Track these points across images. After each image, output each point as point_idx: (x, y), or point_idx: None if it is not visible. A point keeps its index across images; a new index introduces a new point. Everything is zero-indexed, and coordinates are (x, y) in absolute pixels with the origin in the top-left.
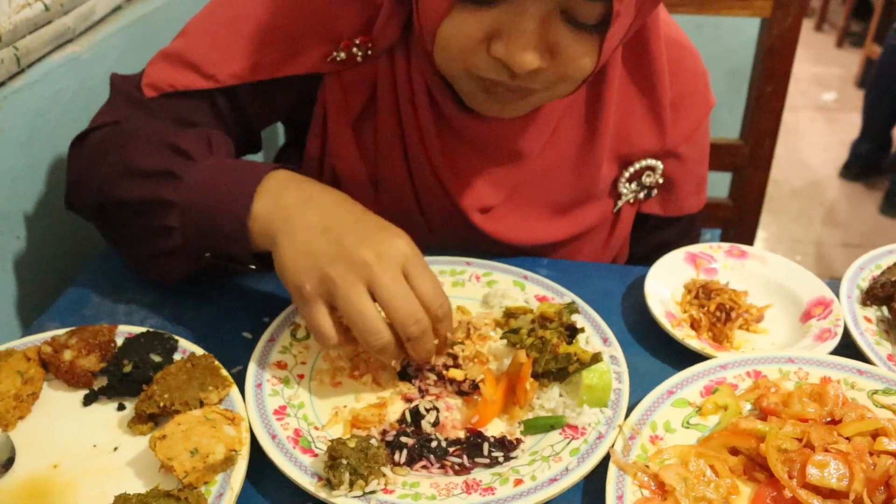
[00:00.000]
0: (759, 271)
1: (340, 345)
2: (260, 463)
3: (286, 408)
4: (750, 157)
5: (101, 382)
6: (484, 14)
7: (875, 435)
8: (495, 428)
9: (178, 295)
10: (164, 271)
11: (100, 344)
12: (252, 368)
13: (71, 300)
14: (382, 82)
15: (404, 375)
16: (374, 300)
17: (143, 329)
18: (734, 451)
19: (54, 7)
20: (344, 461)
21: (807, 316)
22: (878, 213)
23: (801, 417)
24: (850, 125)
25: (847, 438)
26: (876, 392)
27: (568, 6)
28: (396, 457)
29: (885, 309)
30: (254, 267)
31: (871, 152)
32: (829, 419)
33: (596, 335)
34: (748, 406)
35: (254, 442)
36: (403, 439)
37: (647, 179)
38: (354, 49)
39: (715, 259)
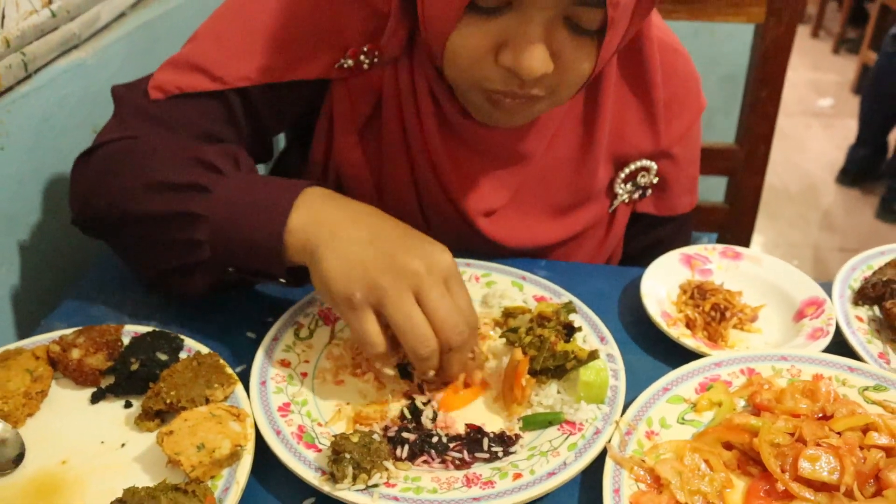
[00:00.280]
0: (753, 272)
1: (386, 352)
2: (265, 458)
3: (290, 405)
4: (745, 162)
5: (108, 380)
6: (490, 25)
7: (865, 430)
8: (495, 424)
9: (183, 297)
10: (185, 285)
11: (107, 343)
12: (256, 367)
13: (77, 301)
14: (388, 90)
15: (405, 374)
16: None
17: (150, 328)
18: (728, 446)
19: (60, 14)
20: (347, 455)
21: (800, 315)
22: (875, 217)
23: (794, 413)
24: (847, 131)
25: (838, 433)
26: (867, 388)
27: (570, 13)
28: (398, 452)
29: (876, 308)
30: (283, 281)
31: (867, 158)
32: (820, 415)
33: (593, 334)
34: (742, 403)
35: (258, 438)
36: (405, 435)
37: (641, 180)
38: (362, 57)
39: (710, 260)
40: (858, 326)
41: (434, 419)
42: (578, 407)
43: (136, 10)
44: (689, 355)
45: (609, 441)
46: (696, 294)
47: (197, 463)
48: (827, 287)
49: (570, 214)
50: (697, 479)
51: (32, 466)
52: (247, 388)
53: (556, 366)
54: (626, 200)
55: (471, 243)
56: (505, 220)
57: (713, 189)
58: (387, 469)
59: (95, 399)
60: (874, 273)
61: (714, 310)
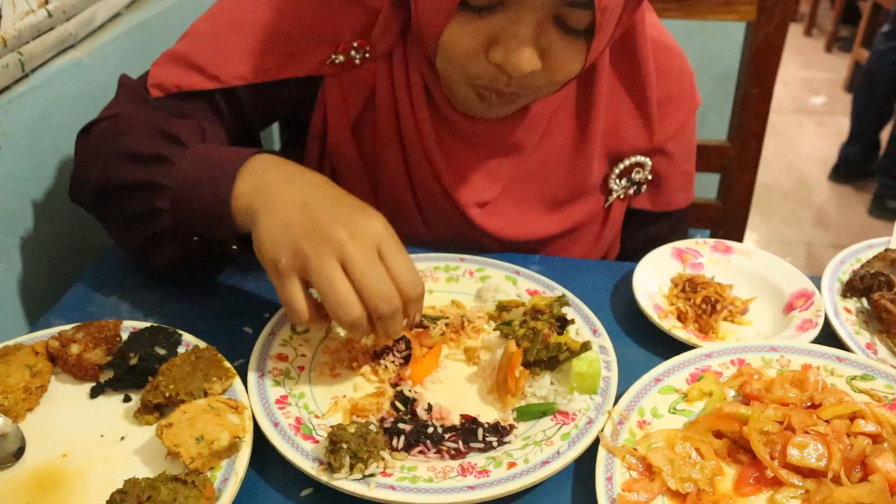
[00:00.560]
0: (743, 266)
1: (312, 321)
2: (263, 449)
3: (287, 397)
4: (737, 159)
5: (107, 375)
6: (482, 22)
7: (853, 417)
8: (489, 415)
9: (181, 293)
10: (153, 256)
11: (106, 338)
12: (254, 360)
13: (75, 298)
14: (380, 84)
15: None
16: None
17: (148, 324)
18: (718, 435)
19: (57, 14)
20: (344, 446)
21: (789, 308)
22: (867, 214)
23: (783, 402)
24: (839, 128)
25: (826, 421)
26: (854, 378)
27: (559, 13)
28: (394, 442)
29: (864, 300)
30: (235, 248)
31: (859, 155)
32: (809, 403)
33: (586, 326)
34: (732, 393)
35: (257, 430)
36: (401, 426)
37: (636, 176)
38: (353, 52)
39: (701, 254)
40: (846, 318)
41: (429, 410)
42: (571, 397)
43: (132, 10)
44: (681, 347)
45: (602, 430)
46: (688, 287)
47: (196, 454)
48: (816, 280)
49: (565, 208)
50: (688, 467)
51: (33, 460)
52: (245, 382)
53: (550, 357)
54: (622, 196)
55: (466, 235)
56: (498, 212)
57: (706, 186)
58: (383, 459)
59: (95, 393)
60: (862, 266)
61: (705, 302)
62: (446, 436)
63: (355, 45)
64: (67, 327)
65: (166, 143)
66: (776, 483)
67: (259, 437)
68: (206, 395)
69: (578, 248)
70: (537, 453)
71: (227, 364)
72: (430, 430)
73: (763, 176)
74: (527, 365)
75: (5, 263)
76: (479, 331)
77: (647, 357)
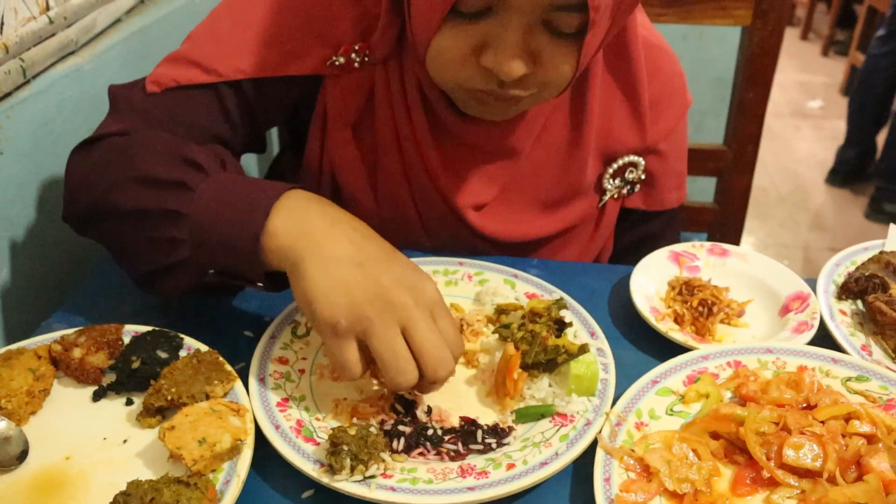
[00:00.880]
0: (739, 268)
1: (361, 379)
2: (264, 452)
3: (288, 400)
4: (734, 162)
5: (109, 379)
6: (472, 28)
7: (848, 418)
8: (488, 417)
9: (181, 297)
10: (164, 285)
11: (108, 342)
12: (255, 364)
13: (77, 303)
14: (380, 88)
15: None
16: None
17: (150, 328)
18: (715, 436)
19: (58, 20)
20: (345, 447)
21: (785, 310)
22: (864, 217)
23: (779, 403)
24: (836, 132)
25: (821, 422)
26: (849, 379)
27: (549, 17)
28: (394, 444)
29: (859, 302)
30: (261, 285)
31: (856, 158)
32: (804, 405)
33: (583, 329)
34: (728, 394)
35: (258, 432)
36: (401, 428)
37: (629, 175)
38: (353, 55)
39: (697, 257)
40: (842, 320)
41: (429, 413)
42: (569, 399)
43: (132, 17)
44: (678, 349)
45: (600, 432)
46: (684, 290)
47: (198, 457)
48: (812, 282)
49: (560, 209)
50: (685, 468)
51: (36, 463)
52: (246, 385)
53: (548, 360)
54: (615, 196)
55: (462, 237)
56: (495, 214)
57: (703, 190)
58: (383, 461)
59: (97, 397)
60: (857, 268)
61: (701, 305)
62: (446, 438)
63: (356, 47)
64: (70, 331)
65: (186, 168)
66: (772, 483)
67: (260, 440)
68: (207, 398)
69: (573, 249)
70: (536, 455)
71: (229, 367)
72: (430, 432)
73: (760, 179)
74: (525, 367)
75: (7, 268)
76: (477, 334)
77: (644, 359)
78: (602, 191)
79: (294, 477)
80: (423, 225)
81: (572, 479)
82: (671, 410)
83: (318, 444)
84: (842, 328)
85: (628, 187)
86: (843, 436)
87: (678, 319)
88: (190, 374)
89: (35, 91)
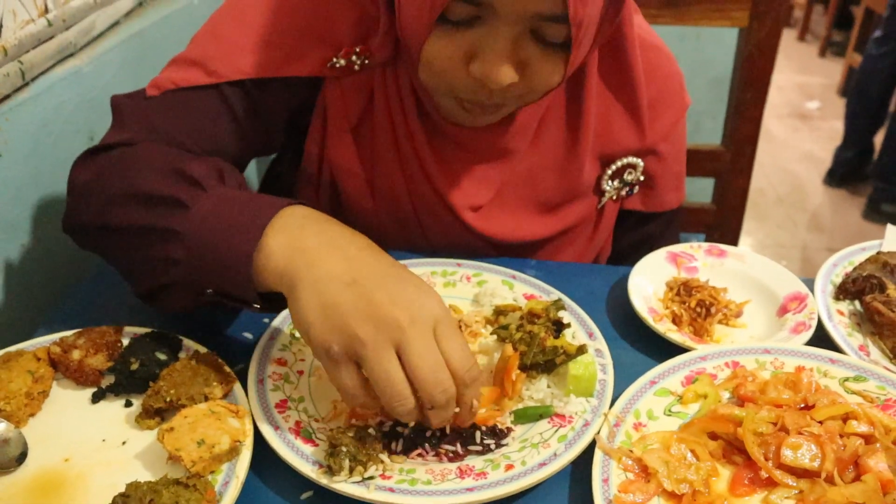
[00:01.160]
0: (737, 269)
1: (363, 403)
2: (263, 453)
3: (287, 402)
4: (731, 163)
5: (108, 380)
6: (461, 36)
7: (845, 418)
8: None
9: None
10: (165, 302)
11: (107, 344)
12: (254, 365)
13: (76, 304)
14: (379, 91)
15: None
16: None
17: (149, 329)
18: (713, 436)
19: (56, 23)
20: (343, 449)
21: (783, 310)
22: (862, 218)
23: (777, 403)
24: (834, 132)
25: (819, 422)
26: (847, 379)
27: (536, 27)
28: (393, 445)
29: (857, 303)
30: (258, 306)
31: (854, 159)
32: (802, 405)
33: (582, 330)
34: (727, 395)
35: (257, 434)
36: (399, 429)
37: (628, 177)
38: (354, 57)
39: (695, 258)
40: (839, 320)
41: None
42: (568, 400)
43: (130, 19)
44: (676, 350)
45: (598, 433)
46: (682, 291)
47: (197, 458)
48: (809, 283)
49: (558, 211)
50: (684, 468)
51: (35, 465)
52: (245, 387)
53: (546, 361)
54: (614, 197)
55: (461, 239)
56: (492, 216)
57: (700, 190)
58: (382, 462)
59: (96, 398)
60: (855, 269)
61: (699, 306)
62: (444, 439)
63: (357, 50)
64: (69, 333)
65: (182, 184)
66: (770, 484)
67: (259, 441)
68: (206, 399)
69: (572, 250)
70: (534, 455)
71: (228, 369)
72: (429, 433)
73: (758, 180)
74: (523, 368)
75: (6, 270)
76: (476, 335)
77: (642, 360)
78: (601, 192)
79: (293, 478)
80: (422, 227)
81: (571, 479)
82: (669, 411)
83: (316, 445)
84: (839, 328)
85: (627, 189)
86: (841, 436)
87: (676, 320)
88: (189, 375)
89: (34, 93)
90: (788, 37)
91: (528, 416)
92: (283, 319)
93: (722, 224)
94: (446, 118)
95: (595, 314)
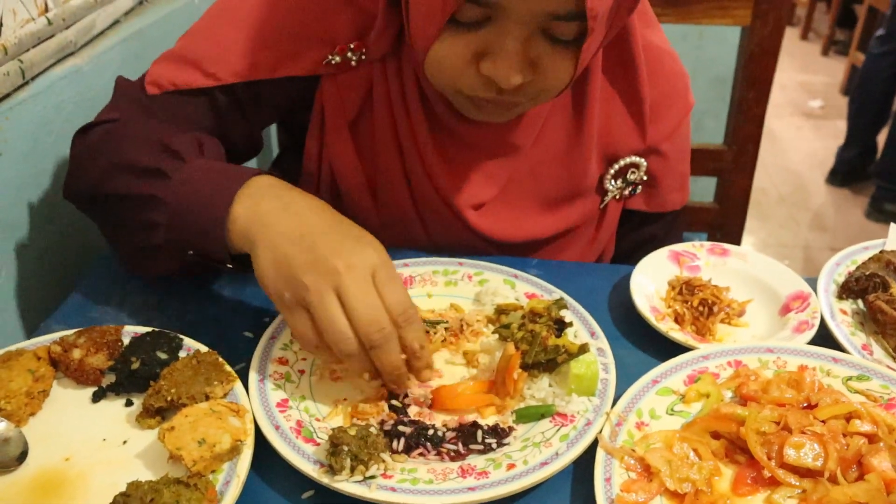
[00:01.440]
0: (740, 268)
1: (319, 348)
2: (264, 452)
3: (288, 401)
4: (734, 162)
5: (109, 380)
6: (471, 36)
7: (849, 418)
8: (488, 417)
9: (181, 298)
10: (148, 266)
11: (107, 343)
12: (255, 364)
13: (76, 304)
14: (378, 86)
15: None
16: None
17: (149, 329)
18: (716, 436)
19: (56, 21)
20: (345, 448)
21: (785, 309)
22: (865, 217)
23: (779, 402)
24: (836, 132)
25: (822, 421)
26: (850, 378)
27: (547, 25)
28: (394, 445)
29: (860, 302)
30: (230, 266)
31: (856, 158)
32: (805, 404)
33: (584, 329)
34: (729, 394)
35: (258, 433)
36: (401, 428)
37: (631, 176)
38: (349, 53)
39: (698, 257)
40: (842, 319)
41: (405, 399)
42: (570, 399)
43: (130, 18)
44: (678, 349)
45: (600, 432)
46: (685, 290)
47: (198, 457)
48: (812, 282)
49: (561, 209)
50: (686, 468)
51: (36, 464)
52: (246, 386)
53: (548, 360)
54: (617, 197)
55: (462, 238)
56: (494, 214)
57: (703, 190)
58: (384, 461)
59: (97, 398)
60: (858, 268)
61: (702, 305)
62: (446, 438)
63: (352, 46)
64: (69, 332)
65: (165, 156)
66: (773, 483)
67: (260, 440)
68: (207, 398)
69: (574, 250)
70: (536, 455)
71: (229, 368)
72: (430, 432)
73: (760, 179)
74: (525, 367)
75: (6, 269)
76: (477, 334)
77: (644, 359)
78: (603, 192)
79: (294, 477)
80: (423, 224)
81: (573, 479)
82: (672, 410)
83: (318, 444)
84: (842, 327)
85: (630, 188)
86: (844, 435)
87: (678, 319)
88: (190, 374)
89: (34, 92)
90: (791, 35)
91: (529, 415)
92: (283, 320)
93: (724, 223)
94: (459, 110)
95: (597, 313)
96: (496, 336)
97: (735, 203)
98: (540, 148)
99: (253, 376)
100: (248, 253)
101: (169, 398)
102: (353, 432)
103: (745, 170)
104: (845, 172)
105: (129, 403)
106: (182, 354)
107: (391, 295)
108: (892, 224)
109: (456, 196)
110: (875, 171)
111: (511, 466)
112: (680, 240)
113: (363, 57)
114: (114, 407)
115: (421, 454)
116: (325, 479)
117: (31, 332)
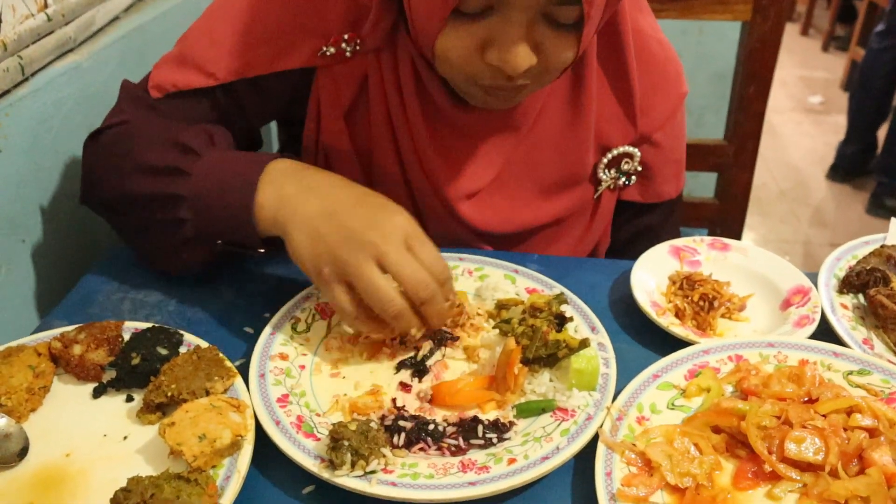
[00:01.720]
0: (740, 262)
1: (360, 319)
2: (265, 447)
3: (288, 396)
4: (734, 158)
5: (109, 375)
6: (475, 27)
7: (849, 412)
8: (489, 412)
9: (181, 294)
10: (181, 262)
11: (108, 339)
12: (255, 360)
13: (76, 300)
14: (373, 76)
15: (401, 364)
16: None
17: (150, 324)
18: (717, 430)
19: (56, 18)
20: (345, 443)
21: (786, 304)
22: (865, 213)
23: (780, 397)
24: (837, 127)
25: (823, 416)
26: (851, 373)
27: (548, 11)
28: (395, 440)
29: (860, 296)
30: (263, 251)
31: (856, 154)
32: (806, 398)
33: (584, 324)
34: (730, 388)
35: (258, 428)
36: (401, 423)
37: (625, 166)
38: (343, 44)
39: (698, 252)
40: (843, 314)
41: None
42: (570, 394)
43: (130, 14)
44: (679, 343)
45: (601, 426)
46: (685, 284)
47: (199, 453)
48: (813, 276)
49: (555, 196)
50: (687, 462)
51: (36, 460)
52: (246, 381)
53: (548, 354)
54: (612, 187)
55: (453, 230)
56: (487, 203)
57: (703, 185)
58: (384, 456)
59: (97, 393)
60: (858, 262)
61: (702, 299)
62: (447, 433)
63: (346, 37)
64: (70, 328)
65: (178, 153)
66: (774, 477)
67: (261, 436)
68: (207, 394)
69: (567, 240)
70: (537, 449)
71: (229, 363)
72: (431, 426)
73: (761, 175)
74: (526, 362)
75: (7, 266)
76: (478, 329)
77: (645, 354)
78: (597, 181)
79: (294, 472)
80: (417, 216)
81: (573, 473)
82: (672, 405)
83: (318, 439)
84: (843, 322)
85: (624, 178)
86: (845, 429)
87: (679, 314)
88: (190, 370)
89: (33, 89)
90: (791, 31)
91: (530, 409)
92: (284, 314)
93: (725, 219)
94: (457, 98)
95: (597, 308)
96: (497, 331)
97: (735, 199)
98: (536, 132)
99: (253, 372)
100: (279, 236)
101: (169, 394)
102: (353, 427)
103: (746, 165)
104: (846, 168)
105: (129, 399)
106: (182, 350)
107: (427, 256)
108: (893, 219)
109: (450, 185)
110: (875, 167)
111: (512, 461)
112: (677, 230)
113: (357, 48)
114: (114, 403)
115: (421, 449)
116: (325, 474)
117: (31, 327)
